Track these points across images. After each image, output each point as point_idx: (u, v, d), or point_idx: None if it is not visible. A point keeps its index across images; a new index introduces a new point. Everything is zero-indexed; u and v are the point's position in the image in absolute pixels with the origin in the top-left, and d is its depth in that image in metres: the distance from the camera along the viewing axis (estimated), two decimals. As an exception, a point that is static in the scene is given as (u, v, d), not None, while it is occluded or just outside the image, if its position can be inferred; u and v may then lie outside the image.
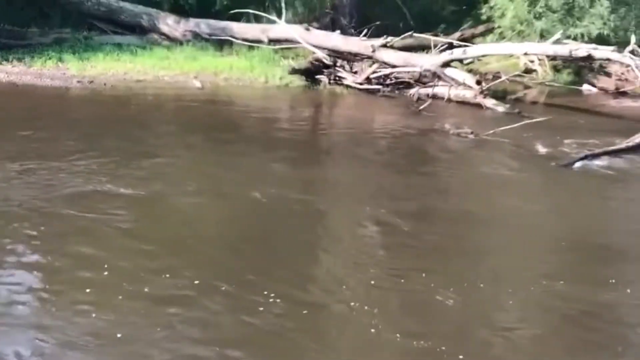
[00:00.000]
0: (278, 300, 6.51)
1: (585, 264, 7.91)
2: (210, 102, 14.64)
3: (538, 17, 17.08)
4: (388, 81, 15.92)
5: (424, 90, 15.26)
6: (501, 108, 14.45)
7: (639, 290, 7.23)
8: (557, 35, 14.57)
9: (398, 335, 6.13)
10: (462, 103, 14.89)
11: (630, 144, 11.99)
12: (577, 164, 11.21)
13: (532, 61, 15.80)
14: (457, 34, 18.21)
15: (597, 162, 11.34)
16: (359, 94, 15.69)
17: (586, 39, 16.31)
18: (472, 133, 12.69)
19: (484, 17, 18.08)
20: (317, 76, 16.21)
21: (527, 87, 17.00)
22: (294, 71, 16.14)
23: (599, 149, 11.78)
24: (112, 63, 16.66)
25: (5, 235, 7.54)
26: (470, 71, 16.15)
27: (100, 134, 11.51)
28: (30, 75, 15.92)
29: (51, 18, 18.79)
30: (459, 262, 7.66)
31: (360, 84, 15.77)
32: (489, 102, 14.56)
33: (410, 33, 16.69)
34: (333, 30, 17.75)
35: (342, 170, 11.08)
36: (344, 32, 17.64)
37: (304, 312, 6.44)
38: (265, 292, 6.60)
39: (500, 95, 15.55)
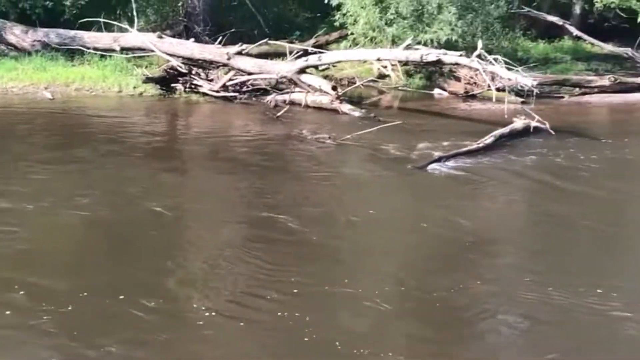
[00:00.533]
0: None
1: (435, 258, 8.18)
2: (61, 114, 14.17)
3: (389, 23, 17.45)
4: (245, 88, 15.89)
5: (281, 97, 15.31)
6: (357, 113, 14.67)
7: (487, 282, 7.50)
8: (408, 41, 14.93)
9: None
10: (319, 109, 15.02)
11: (481, 145, 12.40)
12: (432, 166, 11.50)
13: (385, 66, 16.13)
14: (312, 41, 18.43)
15: (451, 164, 11.66)
16: (216, 102, 15.57)
17: (436, 44, 16.77)
18: (329, 138, 12.83)
19: (337, 24, 18.31)
20: (173, 84, 15.99)
21: (381, 92, 17.36)
22: (149, 80, 15.86)
23: (452, 150, 12.12)
24: (-47, 76, 15.88)
25: None
26: (326, 77, 16.32)
27: None
28: None
29: None
30: (318, 264, 7.74)
31: (217, 91, 15.66)
32: (345, 107, 14.76)
33: (265, 40, 16.75)
34: (187, 38, 17.59)
35: (201, 178, 11.03)
36: (199, 40, 17.54)
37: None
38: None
39: (355, 100, 15.83)
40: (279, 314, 6.60)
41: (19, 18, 18.20)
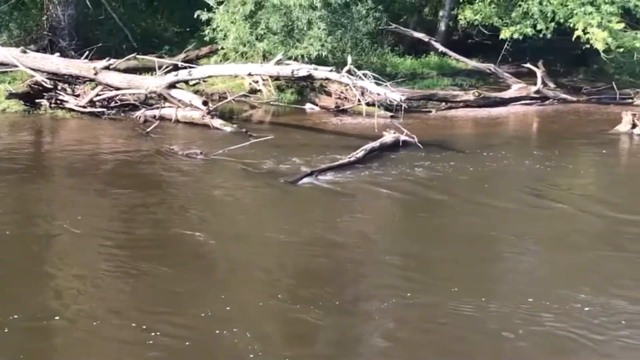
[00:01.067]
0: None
1: (304, 274, 8.26)
2: None
3: (260, 38, 17.49)
4: (113, 104, 15.54)
5: (150, 112, 15.04)
6: (229, 128, 14.59)
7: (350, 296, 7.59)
8: (279, 56, 14.99)
9: None
10: (191, 124, 14.86)
11: (353, 158, 12.56)
12: (304, 180, 11.55)
13: (256, 81, 16.14)
14: (182, 55, 18.24)
15: (323, 178, 11.75)
16: (83, 118, 15.17)
17: (306, 59, 16.90)
18: (201, 153, 12.70)
19: (207, 39, 18.19)
20: (38, 100, 15.46)
21: (253, 107, 17.32)
22: (12, 96, 15.30)
23: (324, 164, 12.22)
24: None
25: None
26: (196, 92, 16.18)
27: None
28: None
29: None
30: (188, 280, 7.68)
31: (84, 107, 15.25)
32: (217, 123, 14.65)
33: (133, 55, 16.48)
34: (52, 52, 17.08)
35: (63, 195, 10.76)
36: (64, 55, 17.07)
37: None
38: None
39: (227, 115, 15.75)
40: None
41: None
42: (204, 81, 16.76)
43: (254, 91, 17.09)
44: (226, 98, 16.30)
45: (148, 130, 14.08)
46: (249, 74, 15.13)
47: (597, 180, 13.08)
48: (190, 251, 8.66)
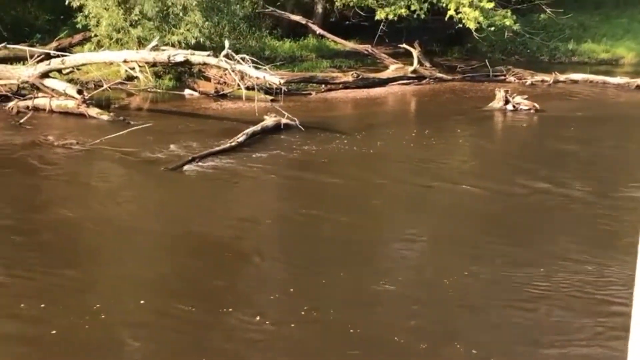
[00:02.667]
0: None
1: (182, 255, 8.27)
2: None
3: (134, 25, 17.15)
4: (-17, 95, 14.96)
5: (23, 103, 14.56)
6: (106, 117, 14.28)
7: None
8: (154, 42, 14.74)
9: None
10: (66, 114, 14.47)
11: (234, 143, 12.52)
12: (186, 167, 11.44)
13: (132, 68, 15.76)
14: (54, 44, 17.73)
15: (204, 164, 11.68)
16: (-51, 112, 14.55)
17: (184, 45, 16.67)
18: (77, 143, 12.40)
19: (80, 26, 17.70)
20: None
21: (130, 94, 17.00)
22: None
23: (205, 150, 12.13)
24: None
25: None
26: (71, 81, 15.75)
27: None
28: None
29: None
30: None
31: (-49, 99, 14.64)
32: (93, 111, 14.32)
33: (4, 44, 15.89)
34: None
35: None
36: None
37: None
38: None
39: (104, 103, 15.42)
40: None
41: None
42: (78, 69, 16.31)
43: (130, 78, 16.72)
44: (102, 86, 15.91)
45: (22, 121, 13.62)
46: (124, 61, 14.76)
47: (470, 155, 13.46)
48: (64, 240, 8.51)
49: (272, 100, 15.81)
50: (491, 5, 20.06)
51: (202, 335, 6.57)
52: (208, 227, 9.20)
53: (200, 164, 11.65)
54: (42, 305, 6.89)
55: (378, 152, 12.87)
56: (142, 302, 7.06)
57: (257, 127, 13.41)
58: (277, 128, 13.74)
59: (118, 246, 8.66)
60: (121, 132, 12.81)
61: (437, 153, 13.00)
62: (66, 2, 17.36)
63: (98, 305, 6.88)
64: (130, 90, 17.08)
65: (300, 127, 13.61)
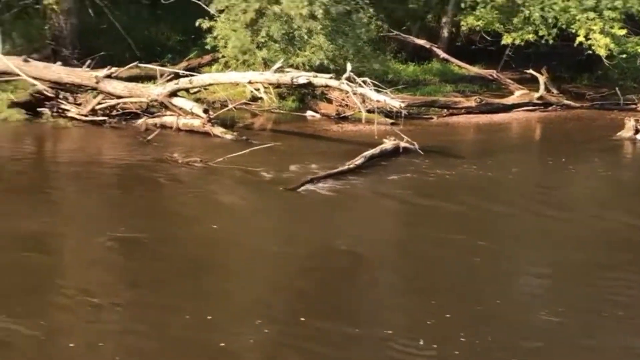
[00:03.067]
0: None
1: (307, 280, 8.23)
2: None
3: (260, 46, 17.53)
4: (114, 112, 15.57)
5: (151, 120, 15.10)
6: (229, 136, 14.61)
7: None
8: (278, 64, 14.99)
9: None
10: (191, 132, 14.88)
11: (352, 165, 12.57)
12: (303, 188, 11.55)
13: (257, 89, 16.11)
14: (184, 64, 18.31)
15: (322, 185, 11.76)
16: (85, 126, 15.18)
17: (308, 67, 16.91)
18: (201, 161, 12.72)
19: (209, 47, 18.25)
20: (40, 109, 15.51)
21: (254, 114, 17.34)
22: (14, 105, 15.34)
23: (323, 172, 12.23)
24: None
25: None
26: (198, 100, 16.19)
27: None
28: None
29: None
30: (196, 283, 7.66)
31: (85, 115, 15.29)
32: (217, 130, 14.67)
33: (135, 63, 16.49)
34: (55, 61, 17.13)
35: (70, 202, 10.85)
36: (67, 64, 17.10)
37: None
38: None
39: (228, 123, 15.73)
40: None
41: None
42: (205, 89, 16.80)
43: (255, 99, 17.07)
44: (227, 106, 16.31)
45: (149, 138, 14.11)
46: (249, 82, 15.10)
47: (602, 185, 13.04)
48: (186, 255, 8.67)
49: (392, 124, 15.82)
50: (623, 32, 19.48)
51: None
52: (327, 248, 9.21)
53: (318, 185, 11.74)
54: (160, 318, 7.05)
55: (499, 179, 12.64)
56: (267, 319, 7.09)
57: (376, 150, 13.42)
58: (396, 151, 13.72)
59: (237, 263, 8.76)
60: (243, 151, 13.05)
61: (566, 181, 12.66)
62: (196, 24, 17.91)
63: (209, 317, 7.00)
64: (254, 111, 17.42)
65: (419, 151, 13.55)
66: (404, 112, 15.00)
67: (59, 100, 15.61)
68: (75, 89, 15.96)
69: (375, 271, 8.69)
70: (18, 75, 15.89)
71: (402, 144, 13.78)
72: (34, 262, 8.26)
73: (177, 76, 15.76)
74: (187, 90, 15.77)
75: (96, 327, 6.81)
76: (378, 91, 14.12)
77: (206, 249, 9.04)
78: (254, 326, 6.89)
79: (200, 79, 15.52)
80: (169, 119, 15.08)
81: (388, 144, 13.81)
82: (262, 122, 16.96)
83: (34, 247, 8.69)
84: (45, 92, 15.50)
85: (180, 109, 15.00)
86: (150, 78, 16.84)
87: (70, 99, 15.78)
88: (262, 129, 16.34)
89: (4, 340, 6.43)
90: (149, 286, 7.77)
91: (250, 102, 17.28)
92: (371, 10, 19.19)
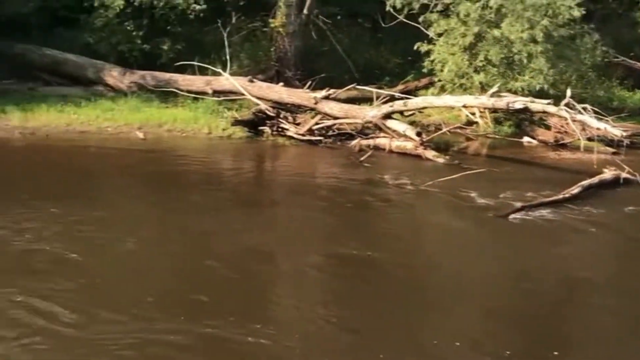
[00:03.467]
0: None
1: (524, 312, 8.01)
2: (151, 154, 14.57)
3: (477, 70, 17.36)
4: (330, 132, 15.99)
5: (365, 142, 15.37)
6: (441, 159, 14.57)
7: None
8: (495, 88, 14.78)
9: None
10: (404, 154, 14.99)
11: (567, 195, 12.13)
12: (515, 215, 11.28)
13: (473, 113, 15.97)
14: (401, 87, 18.49)
15: (535, 213, 11.44)
16: (302, 145, 15.71)
17: (527, 92, 16.53)
18: (411, 184, 12.77)
19: (425, 70, 18.32)
20: (260, 127, 16.23)
21: (468, 139, 17.15)
22: (237, 122, 16.15)
23: (537, 199, 11.89)
24: (56, 114, 16.54)
25: None
26: (412, 123, 16.26)
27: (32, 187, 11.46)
28: (-28, 126, 15.79)
29: (-4, 69, 18.71)
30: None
31: (303, 135, 15.81)
32: (430, 154, 14.68)
33: (353, 85, 16.85)
34: (278, 82, 17.87)
35: (286, 217, 11.18)
36: (289, 84, 17.79)
37: None
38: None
39: (442, 147, 15.68)
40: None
41: (117, 60, 18.86)
42: (419, 112, 16.87)
43: (470, 123, 16.91)
44: (441, 129, 16.28)
45: (362, 159, 14.37)
46: (464, 106, 14.99)
47: None
48: (398, 278, 8.72)
49: (613, 153, 15.12)
50: None
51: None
52: (540, 277, 8.98)
53: (529, 213, 11.42)
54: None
55: None
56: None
57: (594, 180, 12.88)
58: (616, 182, 13.11)
59: (444, 291, 8.63)
60: (454, 176, 12.96)
61: None
62: (415, 47, 18.05)
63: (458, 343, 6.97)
64: (468, 135, 17.25)
65: (642, 183, 12.88)
66: (626, 141, 14.28)
67: (279, 120, 16.25)
68: (294, 109, 16.55)
69: (591, 306, 8.30)
70: (243, 94, 16.73)
71: (624, 175, 13.17)
72: (254, 273, 8.65)
73: (392, 99, 15.94)
74: (401, 112, 15.90)
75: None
76: (599, 119, 13.55)
77: (417, 271, 9.04)
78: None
79: (415, 102, 15.60)
80: (382, 140, 15.29)
81: (608, 174, 13.23)
82: (476, 147, 16.76)
83: (254, 260, 9.05)
84: (267, 111, 16.19)
85: (394, 131, 15.15)
86: (366, 100, 17.11)
87: (290, 118, 16.38)
88: (476, 154, 16.15)
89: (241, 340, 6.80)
90: (362, 305, 7.86)
91: (465, 127, 17.14)
92: (597, 35, 18.48)
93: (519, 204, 11.60)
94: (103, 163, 13.94)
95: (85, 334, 6.80)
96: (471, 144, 16.93)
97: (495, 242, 10.44)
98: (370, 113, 15.43)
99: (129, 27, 18.93)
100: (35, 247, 8.91)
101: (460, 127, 17.01)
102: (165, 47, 19.00)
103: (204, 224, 10.16)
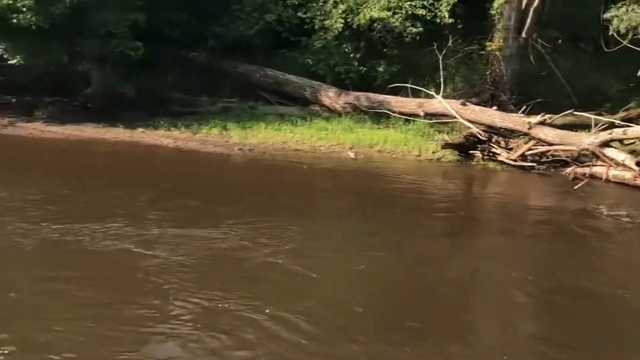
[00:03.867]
0: None
1: None
2: (362, 174, 14.86)
3: None
4: (544, 159, 15.56)
5: (580, 170, 14.79)
6: (665, 192, 13.77)
7: None
8: None
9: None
10: (621, 184, 14.28)
11: None
12: None
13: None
14: (622, 114, 17.63)
15: None
16: (512, 171, 15.41)
17: None
18: (627, 216, 12.15)
19: (649, 98, 17.46)
20: (471, 151, 16.09)
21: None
22: (447, 145, 16.13)
23: None
24: (273, 132, 17.36)
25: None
26: (632, 152, 15.48)
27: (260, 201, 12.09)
28: (195, 141, 16.87)
29: (221, 88, 19.89)
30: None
31: (514, 160, 15.50)
32: (654, 185, 13.91)
33: (571, 111, 16.29)
34: (492, 105, 17.66)
35: (491, 243, 10.96)
36: (503, 108, 17.53)
37: None
38: None
39: (666, 179, 14.79)
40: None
41: (334, 81, 19.43)
42: (640, 141, 16.04)
43: None
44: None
45: (575, 187, 13.86)
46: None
47: None
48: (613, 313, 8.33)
49: None
50: None
51: None
52: None
53: None
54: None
55: None
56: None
57: None
58: None
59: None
60: (676, 212, 12.21)
61: None
62: (639, 73, 17.21)
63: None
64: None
65: None
66: None
67: (491, 144, 16.03)
68: (507, 133, 16.27)
69: None
70: (455, 117, 16.68)
71: None
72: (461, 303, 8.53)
73: (612, 126, 15.28)
74: (621, 141, 15.19)
75: None
76: None
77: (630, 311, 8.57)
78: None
79: (636, 130, 14.85)
80: (598, 169, 14.66)
81: None
82: None
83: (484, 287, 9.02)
84: (478, 135, 16.03)
85: (612, 159, 14.50)
86: (583, 127, 16.52)
87: (502, 143, 16.12)
88: None
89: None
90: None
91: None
92: None
93: None
94: (322, 182, 14.50)
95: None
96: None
97: None
98: (587, 140, 14.88)
99: (346, 49, 19.48)
100: (271, 260, 9.08)
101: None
102: (380, 69, 19.38)
103: (434, 248, 10.17)
